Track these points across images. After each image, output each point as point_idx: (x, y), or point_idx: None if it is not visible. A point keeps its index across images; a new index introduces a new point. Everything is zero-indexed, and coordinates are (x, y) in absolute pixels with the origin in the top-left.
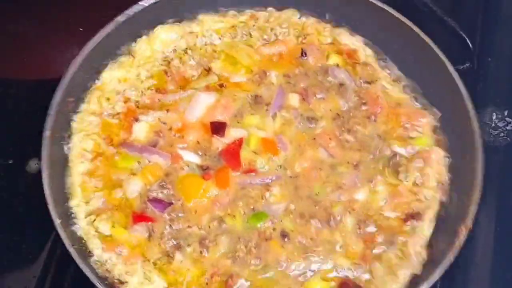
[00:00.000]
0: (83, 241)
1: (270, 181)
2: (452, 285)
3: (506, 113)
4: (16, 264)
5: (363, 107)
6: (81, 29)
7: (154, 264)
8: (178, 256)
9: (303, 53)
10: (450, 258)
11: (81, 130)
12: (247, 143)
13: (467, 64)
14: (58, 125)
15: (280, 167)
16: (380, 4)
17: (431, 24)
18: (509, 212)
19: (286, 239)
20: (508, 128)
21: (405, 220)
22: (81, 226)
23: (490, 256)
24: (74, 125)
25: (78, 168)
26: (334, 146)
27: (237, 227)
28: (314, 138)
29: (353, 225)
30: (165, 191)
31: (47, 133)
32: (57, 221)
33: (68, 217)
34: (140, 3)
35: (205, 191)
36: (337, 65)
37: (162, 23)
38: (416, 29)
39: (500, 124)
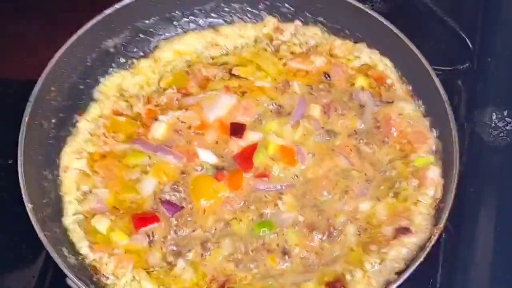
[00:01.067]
0: (67, 235)
1: (282, 188)
2: (452, 285)
3: (505, 113)
4: (16, 264)
5: (378, 130)
6: None
7: (148, 273)
8: (180, 263)
9: (326, 75)
10: (420, 257)
11: (84, 131)
12: (266, 147)
13: (467, 64)
14: (42, 112)
15: (297, 176)
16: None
17: (431, 24)
18: (509, 212)
19: (286, 257)
20: (508, 128)
21: (394, 236)
22: (66, 223)
23: (490, 256)
24: (77, 125)
25: (74, 164)
26: (353, 156)
27: (242, 232)
28: (333, 150)
29: (354, 232)
30: (177, 194)
31: (25, 118)
32: (28, 206)
33: (47, 206)
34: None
35: (216, 192)
36: (362, 88)
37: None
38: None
39: (500, 124)
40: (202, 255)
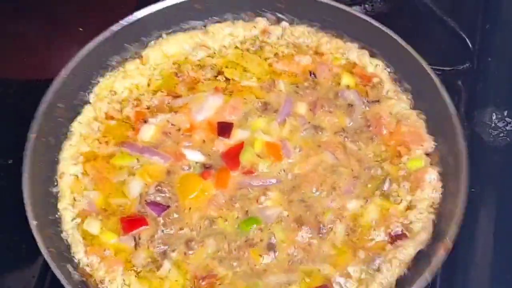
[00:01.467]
0: (68, 245)
1: (270, 183)
2: (452, 285)
3: (505, 113)
4: (16, 264)
5: (367, 129)
6: (81, 29)
7: (137, 272)
8: (166, 264)
9: (311, 74)
10: (426, 277)
11: (78, 134)
12: (252, 145)
13: (467, 64)
14: (49, 129)
15: (283, 171)
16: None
17: (431, 24)
18: (509, 212)
19: (271, 252)
20: (507, 128)
21: (391, 242)
22: (66, 230)
23: (490, 256)
24: (71, 128)
25: (70, 170)
26: (340, 152)
27: (227, 230)
28: (319, 145)
29: (343, 232)
30: (162, 194)
31: (32, 136)
32: (33, 223)
33: (53, 221)
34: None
35: (202, 190)
36: (348, 87)
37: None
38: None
39: (500, 124)
40: (185, 253)
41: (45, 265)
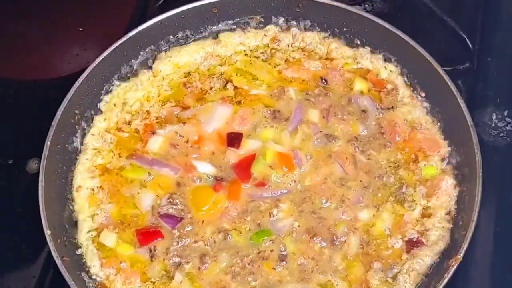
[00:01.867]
0: (82, 255)
1: (281, 194)
2: (452, 285)
3: (506, 113)
4: (16, 264)
5: (381, 136)
6: (81, 29)
7: (153, 283)
8: (177, 276)
9: (323, 80)
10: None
11: (92, 147)
12: (263, 156)
13: (467, 64)
14: (65, 138)
15: (294, 182)
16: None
17: (431, 24)
18: (509, 212)
19: (283, 263)
20: (508, 128)
21: (407, 250)
22: (81, 242)
23: (490, 256)
24: (85, 141)
25: (87, 183)
26: (349, 164)
27: (240, 243)
28: (330, 155)
29: (357, 245)
30: (175, 206)
31: (48, 144)
32: (47, 232)
33: (65, 229)
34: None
35: (215, 203)
36: (361, 92)
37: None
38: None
39: (500, 124)
40: (199, 268)
41: (45, 265)
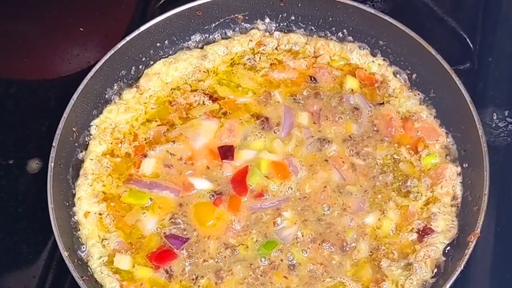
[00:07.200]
0: (94, 277)
1: (280, 202)
2: (452, 285)
3: (506, 113)
4: (16, 264)
5: (376, 133)
6: (81, 29)
7: None
8: None
9: (312, 78)
10: (461, 267)
11: (91, 172)
12: (258, 167)
13: (467, 64)
14: (63, 159)
15: (291, 189)
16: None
17: (431, 24)
18: (509, 212)
19: (293, 270)
20: (508, 128)
21: (419, 240)
22: (92, 267)
23: (490, 256)
24: (84, 165)
25: (94, 208)
26: (346, 169)
27: (249, 255)
28: (326, 160)
29: (367, 251)
30: (177, 226)
31: (51, 165)
32: (64, 254)
33: (76, 247)
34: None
35: (218, 218)
36: (352, 90)
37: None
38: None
39: (501, 124)
40: (216, 283)
41: (46, 265)
